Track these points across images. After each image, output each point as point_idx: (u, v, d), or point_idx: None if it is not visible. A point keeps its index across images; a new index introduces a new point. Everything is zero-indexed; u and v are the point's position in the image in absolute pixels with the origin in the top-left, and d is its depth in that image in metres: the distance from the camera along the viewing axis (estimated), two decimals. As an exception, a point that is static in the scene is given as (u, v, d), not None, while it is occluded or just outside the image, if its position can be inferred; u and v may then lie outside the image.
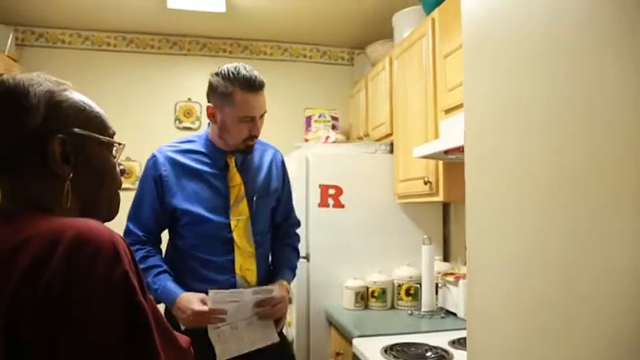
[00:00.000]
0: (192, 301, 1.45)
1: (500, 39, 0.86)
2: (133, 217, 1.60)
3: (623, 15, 0.62)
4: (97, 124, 0.78)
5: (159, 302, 1.55)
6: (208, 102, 1.56)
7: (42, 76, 0.74)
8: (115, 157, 0.81)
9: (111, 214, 0.82)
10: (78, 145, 0.73)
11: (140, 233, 1.57)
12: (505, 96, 0.85)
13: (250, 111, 1.51)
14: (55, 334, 0.55)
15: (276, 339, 1.58)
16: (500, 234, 0.85)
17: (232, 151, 1.60)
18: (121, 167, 0.82)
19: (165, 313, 1.58)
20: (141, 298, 0.63)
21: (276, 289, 1.54)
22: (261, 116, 1.57)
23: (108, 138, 0.79)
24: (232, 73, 1.50)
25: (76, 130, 0.73)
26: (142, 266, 1.51)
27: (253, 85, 1.50)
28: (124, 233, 1.61)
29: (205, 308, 1.44)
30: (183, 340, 0.73)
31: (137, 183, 1.66)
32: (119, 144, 0.82)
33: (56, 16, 2.89)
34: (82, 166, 0.74)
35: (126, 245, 0.65)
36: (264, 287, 1.54)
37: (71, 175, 0.72)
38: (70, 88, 0.76)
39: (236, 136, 1.54)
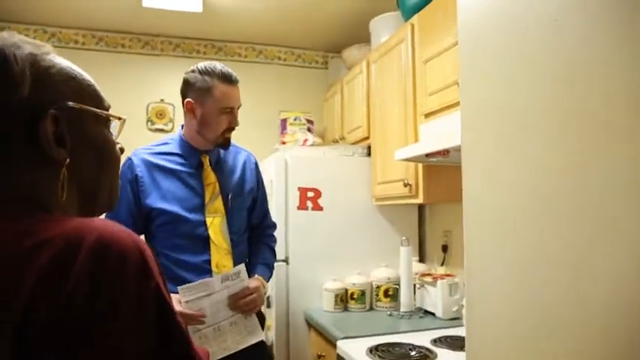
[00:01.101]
0: None
1: (498, 39, 0.88)
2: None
3: (622, 17, 0.65)
4: (91, 95, 0.65)
5: None
6: (185, 98, 1.60)
7: (17, 36, 0.60)
8: (112, 135, 0.69)
9: (112, 203, 0.71)
10: (72, 122, 0.61)
11: None
12: (503, 96, 0.87)
13: (230, 102, 1.59)
14: (77, 349, 0.48)
15: (262, 337, 1.57)
16: (500, 235, 0.86)
17: (208, 149, 1.64)
18: (119, 146, 0.70)
19: None
20: (177, 317, 0.55)
21: (243, 271, 1.53)
22: (238, 108, 1.64)
23: (106, 112, 0.67)
24: (209, 68, 1.58)
25: (69, 103, 0.61)
26: None
27: (231, 79, 1.59)
28: None
29: (182, 309, 1.42)
30: (204, 353, 0.66)
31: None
32: (119, 118, 0.69)
33: (20, 11, 2.76)
34: (78, 148, 0.62)
35: (148, 248, 0.57)
36: (231, 271, 1.51)
37: (67, 160, 0.60)
38: (51, 52, 0.63)
39: (216, 129, 1.59)
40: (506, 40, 0.86)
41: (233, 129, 1.62)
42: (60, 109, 0.59)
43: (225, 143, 1.63)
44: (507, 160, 0.85)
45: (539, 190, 0.77)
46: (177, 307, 1.42)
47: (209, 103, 1.56)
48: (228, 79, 1.58)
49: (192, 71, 1.59)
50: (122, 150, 0.71)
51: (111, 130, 0.69)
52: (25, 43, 0.60)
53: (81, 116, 0.63)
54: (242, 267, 1.53)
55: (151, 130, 3.04)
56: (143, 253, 0.54)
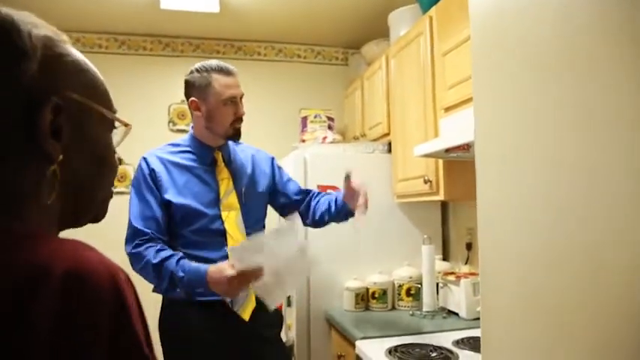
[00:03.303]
0: (223, 269, 1.41)
1: (510, 33, 0.84)
2: (136, 216, 1.58)
3: (635, 16, 0.60)
4: (101, 93, 0.60)
5: (188, 288, 1.47)
6: (190, 98, 1.63)
7: (37, 19, 0.56)
8: (114, 141, 0.63)
9: (103, 214, 0.64)
10: (75, 116, 0.55)
11: (148, 231, 1.55)
12: (515, 92, 0.84)
13: (231, 91, 1.61)
14: None
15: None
16: (515, 233, 0.83)
17: (220, 145, 1.66)
18: (117, 155, 0.64)
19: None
20: None
21: (298, 221, 1.53)
22: (241, 98, 1.65)
23: (114, 115, 0.61)
24: (205, 65, 1.62)
25: (75, 95, 0.55)
26: (157, 260, 1.48)
27: (228, 70, 1.62)
28: (132, 234, 1.55)
29: (235, 272, 1.38)
30: None
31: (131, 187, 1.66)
32: (126, 125, 0.63)
33: (45, 17, 2.82)
34: (75, 147, 0.55)
35: (128, 281, 0.50)
36: (282, 225, 1.54)
37: (61, 156, 0.53)
38: (69, 43, 0.58)
39: (224, 121, 1.62)
40: (517, 32, 0.82)
41: (241, 119, 1.64)
42: (64, 99, 0.53)
43: (236, 134, 1.65)
44: (521, 156, 0.81)
45: (553, 187, 0.73)
46: (233, 271, 1.38)
47: (211, 98, 1.59)
48: (225, 71, 1.61)
49: (191, 72, 1.63)
50: (120, 161, 0.64)
51: (113, 136, 0.63)
52: (44, 26, 0.56)
53: (85, 113, 0.57)
54: (296, 215, 1.54)
55: (172, 130, 3.07)
56: (120, 290, 0.47)
